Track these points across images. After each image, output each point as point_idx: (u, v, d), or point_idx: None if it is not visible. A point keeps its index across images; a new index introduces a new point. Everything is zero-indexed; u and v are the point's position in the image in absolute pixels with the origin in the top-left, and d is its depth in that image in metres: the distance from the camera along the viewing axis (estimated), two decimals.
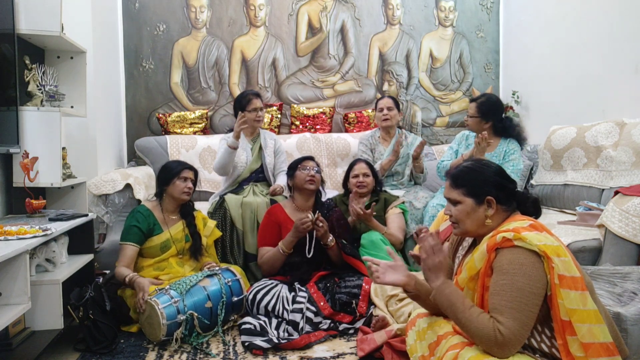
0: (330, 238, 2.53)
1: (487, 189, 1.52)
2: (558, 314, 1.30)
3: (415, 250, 2.30)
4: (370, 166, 3.01)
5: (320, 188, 2.77)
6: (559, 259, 1.32)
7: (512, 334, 1.29)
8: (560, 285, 1.30)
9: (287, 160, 3.33)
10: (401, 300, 2.20)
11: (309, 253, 2.51)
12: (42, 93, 2.47)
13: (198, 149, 3.74)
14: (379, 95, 4.34)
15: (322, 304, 2.33)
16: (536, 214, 1.57)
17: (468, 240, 1.67)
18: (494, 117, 3.04)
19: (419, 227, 1.61)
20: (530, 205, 1.58)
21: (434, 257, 1.51)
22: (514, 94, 4.24)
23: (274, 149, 3.32)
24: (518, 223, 1.45)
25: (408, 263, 2.83)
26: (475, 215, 1.53)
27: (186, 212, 2.66)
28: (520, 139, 3.09)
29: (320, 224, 2.47)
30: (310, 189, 2.68)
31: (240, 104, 3.20)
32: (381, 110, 3.41)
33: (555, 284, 1.31)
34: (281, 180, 3.15)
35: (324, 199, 2.82)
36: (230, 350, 2.14)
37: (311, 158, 2.78)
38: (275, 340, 2.13)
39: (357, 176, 2.94)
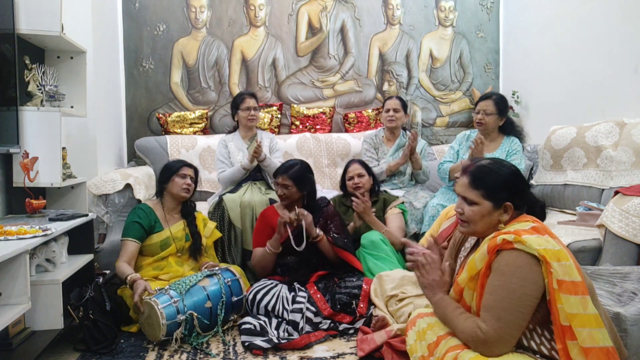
0: (317, 231, 2.52)
1: (506, 193, 1.50)
2: (558, 319, 1.30)
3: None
4: (365, 165, 3.01)
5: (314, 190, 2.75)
6: (559, 263, 1.31)
7: (493, 332, 1.31)
8: (560, 290, 1.29)
9: (282, 158, 3.35)
10: (401, 300, 2.20)
11: (298, 246, 2.48)
12: (42, 93, 2.47)
13: (198, 149, 3.74)
14: (379, 96, 4.35)
15: (322, 304, 2.33)
16: (541, 218, 1.56)
17: (470, 241, 1.66)
18: (506, 113, 3.13)
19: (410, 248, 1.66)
20: (538, 209, 1.57)
21: (428, 275, 1.58)
22: (514, 94, 4.24)
23: (269, 147, 3.35)
24: (520, 225, 1.44)
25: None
26: (489, 219, 1.51)
27: (187, 211, 2.67)
28: (522, 137, 3.14)
29: (302, 218, 2.46)
30: (283, 205, 2.66)
31: (235, 102, 3.33)
32: (388, 110, 3.42)
33: (554, 289, 1.30)
34: (275, 159, 3.20)
35: (318, 196, 2.80)
36: (230, 350, 2.14)
37: (284, 172, 2.60)
38: (275, 340, 2.13)
39: (352, 178, 2.95)
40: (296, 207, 2.52)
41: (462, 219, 1.57)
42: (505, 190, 1.50)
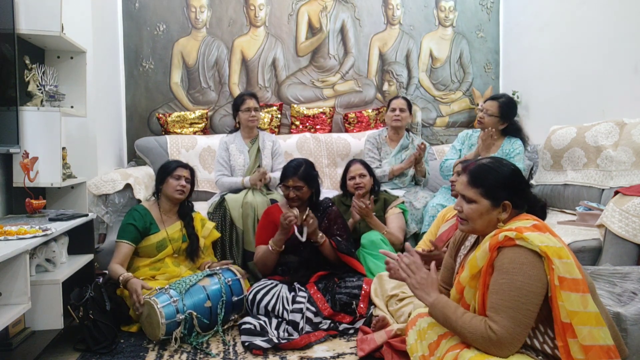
0: (320, 235, 2.51)
1: (505, 192, 1.50)
2: (559, 316, 1.30)
3: (419, 248, 2.31)
4: (366, 166, 3.01)
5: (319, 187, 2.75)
6: (560, 260, 1.32)
7: (506, 332, 1.30)
8: (561, 287, 1.30)
9: (284, 163, 3.33)
10: (401, 300, 2.20)
11: (301, 236, 2.46)
12: (42, 93, 2.47)
13: (198, 149, 3.74)
14: (379, 96, 4.35)
15: (322, 304, 2.33)
16: (541, 218, 1.56)
17: (470, 240, 1.67)
18: (511, 119, 3.08)
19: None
20: (538, 209, 1.57)
21: (415, 275, 1.55)
22: (514, 94, 4.23)
23: (271, 151, 3.33)
24: (522, 222, 1.45)
25: None
26: (488, 217, 1.51)
27: (184, 212, 2.66)
28: (525, 141, 3.13)
29: (311, 221, 2.45)
30: (293, 206, 2.61)
31: (236, 104, 3.30)
32: (393, 110, 3.42)
33: (555, 285, 1.30)
34: (275, 175, 3.14)
35: (321, 197, 2.80)
36: (230, 350, 2.14)
37: (294, 174, 2.56)
38: (275, 340, 2.13)
39: (353, 178, 2.94)
40: (308, 209, 2.50)
41: (461, 217, 1.57)
42: (504, 189, 1.50)
